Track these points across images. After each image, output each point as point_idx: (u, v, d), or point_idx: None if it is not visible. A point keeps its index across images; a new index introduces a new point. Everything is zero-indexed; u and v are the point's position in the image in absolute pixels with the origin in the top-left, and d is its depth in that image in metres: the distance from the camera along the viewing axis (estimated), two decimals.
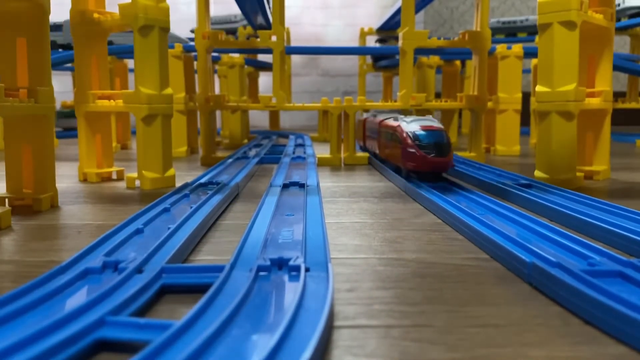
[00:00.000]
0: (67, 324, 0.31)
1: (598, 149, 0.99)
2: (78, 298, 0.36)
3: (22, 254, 0.50)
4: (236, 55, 1.90)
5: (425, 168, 0.84)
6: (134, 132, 2.11)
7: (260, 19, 1.80)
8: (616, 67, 1.44)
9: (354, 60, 3.37)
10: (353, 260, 0.48)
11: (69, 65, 1.97)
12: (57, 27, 1.68)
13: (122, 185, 0.94)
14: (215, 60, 1.92)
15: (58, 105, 2.70)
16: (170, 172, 0.93)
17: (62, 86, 3.02)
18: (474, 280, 0.42)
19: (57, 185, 0.76)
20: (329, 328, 0.33)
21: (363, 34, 2.71)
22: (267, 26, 1.89)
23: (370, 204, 0.74)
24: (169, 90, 0.91)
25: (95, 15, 0.95)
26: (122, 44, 1.64)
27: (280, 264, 0.41)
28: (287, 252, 0.44)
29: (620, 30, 2.10)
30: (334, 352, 0.30)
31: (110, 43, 1.64)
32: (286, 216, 0.60)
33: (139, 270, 0.40)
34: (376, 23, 2.61)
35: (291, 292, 0.36)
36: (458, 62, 1.90)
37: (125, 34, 1.67)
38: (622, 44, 3.05)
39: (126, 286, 0.37)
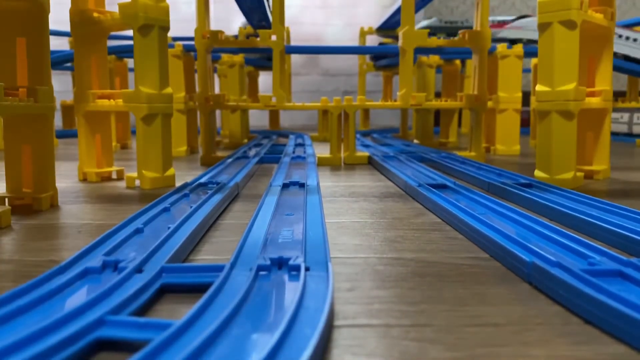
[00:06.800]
0: (67, 323, 0.31)
1: (598, 149, 0.99)
2: (78, 297, 0.36)
3: (22, 254, 0.50)
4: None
5: None
6: (133, 132, 2.11)
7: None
8: (615, 68, 1.44)
9: (354, 60, 3.37)
10: (353, 259, 0.48)
11: (69, 64, 1.97)
12: None
13: (122, 184, 0.94)
14: (215, 59, 1.92)
15: (58, 105, 2.70)
16: (170, 171, 0.93)
17: (61, 85, 3.02)
18: (473, 280, 0.42)
19: (57, 184, 0.76)
20: (329, 327, 0.33)
21: (363, 33, 2.71)
22: (267, 25, 1.89)
23: (370, 204, 0.74)
24: (168, 90, 0.91)
25: (95, 14, 0.95)
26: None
27: (280, 264, 0.41)
28: (287, 252, 0.44)
29: None
30: (334, 351, 0.30)
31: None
32: (286, 216, 0.60)
33: (138, 269, 0.40)
34: (376, 22, 2.61)
35: (291, 291, 0.36)
36: (458, 62, 1.90)
37: None
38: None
39: (126, 286, 0.37)
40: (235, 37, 1.36)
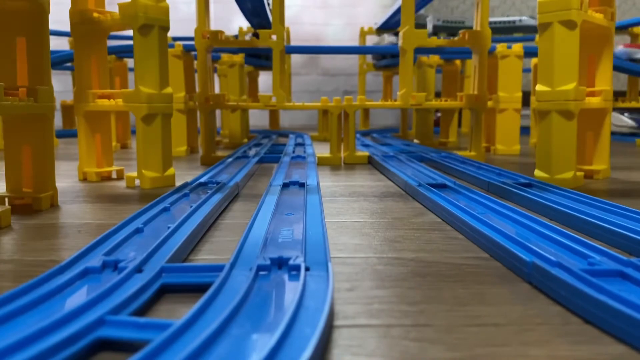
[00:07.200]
0: (67, 323, 0.31)
1: (598, 148, 0.99)
2: (78, 297, 0.36)
3: (22, 253, 0.50)
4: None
5: None
6: (133, 132, 2.11)
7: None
8: (615, 68, 1.44)
9: (354, 60, 3.37)
10: (353, 259, 0.48)
11: (69, 64, 1.97)
12: None
13: (121, 184, 0.94)
14: (215, 59, 1.92)
15: (58, 105, 2.70)
16: (170, 171, 0.93)
17: (62, 85, 3.02)
18: (473, 280, 0.42)
19: (57, 184, 0.76)
20: (329, 327, 0.33)
21: (363, 33, 2.71)
22: (267, 25, 1.89)
23: (370, 203, 0.74)
24: (168, 90, 0.91)
25: (95, 14, 0.95)
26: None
27: (280, 263, 0.41)
28: (287, 252, 0.44)
29: (620, 29, 2.10)
30: (334, 351, 0.30)
31: None
32: (286, 215, 0.60)
33: (138, 269, 0.40)
34: (376, 22, 2.61)
35: (291, 291, 0.36)
36: (458, 62, 1.90)
37: None
38: (622, 43, 3.05)
39: (126, 285, 0.37)
40: (236, 37, 1.36)
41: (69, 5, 0.95)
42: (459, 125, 2.60)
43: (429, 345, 0.31)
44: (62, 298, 0.36)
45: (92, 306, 0.33)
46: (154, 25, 0.88)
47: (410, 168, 1.05)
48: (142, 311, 0.35)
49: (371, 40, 2.74)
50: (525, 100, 1.80)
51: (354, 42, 3.37)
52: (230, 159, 1.19)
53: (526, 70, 2.12)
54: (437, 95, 2.78)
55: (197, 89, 1.33)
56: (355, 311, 0.36)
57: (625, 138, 1.99)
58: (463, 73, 2.19)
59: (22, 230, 0.59)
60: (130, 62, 2.26)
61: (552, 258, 0.41)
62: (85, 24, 0.95)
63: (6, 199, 0.72)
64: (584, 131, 0.99)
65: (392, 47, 2.02)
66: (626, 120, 2.04)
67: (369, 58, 2.69)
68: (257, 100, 1.35)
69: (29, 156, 0.74)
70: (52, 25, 0.91)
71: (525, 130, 2.13)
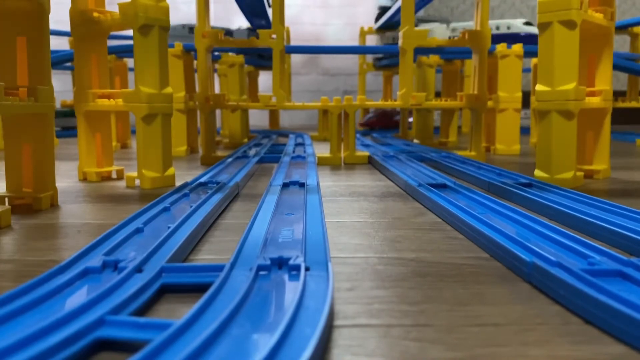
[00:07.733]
0: (67, 323, 0.31)
1: (598, 148, 0.99)
2: (78, 297, 0.36)
3: (22, 253, 0.50)
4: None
5: None
6: (133, 131, 2.11)
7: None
8: (615, 67, 1.44)
9: (354, 59, 3.38)
10: (353, 259, 0.48)
11: (69, 64, 1.97)
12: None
13: (122, 184, 0.94)
14: (215, 59, 1.92)
15: (58, 104, 2.70)
16: (170, 171, 0.93)
17: (62, 85, 3.02)
18: (474, 280, 0.42)
19: (57, 184, 0.76)
20: (329, 327, 0.33)
21: (363, 33, 2.71)
22: (267, 25, 1.89)
23: (370, 203, 0.74)
24: (168, 89, 0.91)
25: (95, 14, 0.95)
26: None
27: (280, 263, 0.41)
28: (287, 251, 0.44)
29: (620, 29, 2.10)
30: (334, 351, 0.30)
31: None
32: (286, 215, 0.60)
33: (138, 269, 0.40)
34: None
35: (291, 291, 0.36)
36: (458, 62, 1.90)
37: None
38: (621, 43, 3.06)
39: (126, 285, 0.37)
40: (231, 32, 1.36)
41: (69, 5, 0.95)
42: (460, 125, 2.60)
43: (429, 345, 0.31)
44: (62, 298, 0.36)
45: (92, 306, 0.33)
46: (154, 25, 0.88)
47: (410, 168, 1.05)
48: (142, 311, 0.35)
49: (371, 40, 2.74)
50: (525, 100, 1.80)
51: (354, 42, 3.37)
52: (230, 159, 1.19)
53: (526, 70, 2.12)
54: (437, 95, 2.78)
55: (197, 89, 1.33)
56: (356, 311, 0.36)
57: (626, 137, 1.99)
58: (463, 72, 2.19)
59: (22, 230, 0.59)
60: (130, 62, 2.26)
61: (552, 258, 0.41)
62: (85, 24, 0.95)
63: (6, 199, 0.72)
64: (584, 131, 0.99)
65: (392, 47, 2.02)
66: None
67: (369, 58, 2.69)
68: (257, 100, 1.35)
69: (29, 156, 0.73)
70: (52, 25, 0.91)
71: (525, 130, 2.13)
